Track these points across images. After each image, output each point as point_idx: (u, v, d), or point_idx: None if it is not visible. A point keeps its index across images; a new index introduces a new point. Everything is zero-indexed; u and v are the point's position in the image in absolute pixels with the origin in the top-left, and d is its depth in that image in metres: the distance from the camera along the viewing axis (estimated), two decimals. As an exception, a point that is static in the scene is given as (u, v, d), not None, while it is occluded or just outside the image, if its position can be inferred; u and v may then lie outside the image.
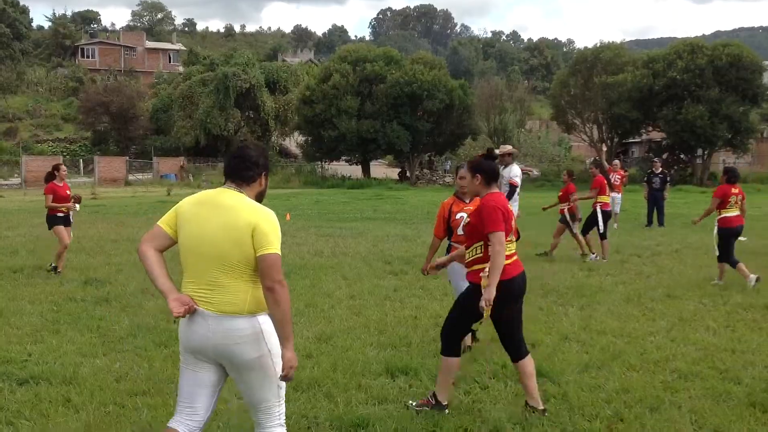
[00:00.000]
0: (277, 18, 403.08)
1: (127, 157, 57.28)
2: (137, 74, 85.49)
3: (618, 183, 20.00)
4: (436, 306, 9.06)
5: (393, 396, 5.67)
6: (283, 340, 3.72)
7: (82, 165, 56.84)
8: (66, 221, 12.07)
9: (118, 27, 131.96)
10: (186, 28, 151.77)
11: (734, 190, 10.89)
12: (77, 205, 12.39)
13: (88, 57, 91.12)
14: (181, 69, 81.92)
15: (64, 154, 58.33)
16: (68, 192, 12.26)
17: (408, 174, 52.67)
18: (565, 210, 13.77)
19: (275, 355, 3.79)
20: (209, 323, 3.73)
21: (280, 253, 3.71)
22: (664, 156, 50.49)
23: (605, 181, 14.17)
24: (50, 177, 12.12)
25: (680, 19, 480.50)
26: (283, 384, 3.91)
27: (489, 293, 4.96)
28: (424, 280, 10.97)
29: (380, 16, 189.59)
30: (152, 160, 57.86)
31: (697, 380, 6.06)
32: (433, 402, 5.35)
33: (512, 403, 5.52)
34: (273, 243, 3.69)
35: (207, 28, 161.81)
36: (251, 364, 3.77)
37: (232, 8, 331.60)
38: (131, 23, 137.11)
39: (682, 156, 50.27)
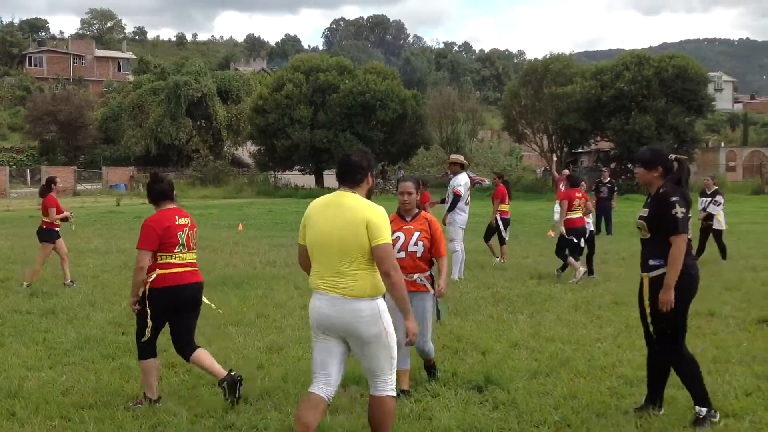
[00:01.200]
0: (230, 27, 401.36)
1: (76, 167, 56.33)
2: (86, 83, 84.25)
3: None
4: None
5: (344, 405, 5.68)
6: (404, 313, 4.56)
7: (29, 175, 55.73)
8: (58, 235, 11.81)
9: (66, 35, 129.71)
10: (137, 37, 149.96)
11: (578, 195, 12.17)
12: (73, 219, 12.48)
13: (35, 65, 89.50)
14: (131, 78, 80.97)
15: (11, 164, 57.04)
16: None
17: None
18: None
19: (389, 333, 4.53)
20: (337, 305, 4.46)
21: (390, 242, 4.47)
22: (612, 165, 51.41)
23: (506, 192, 14.71)
24: (47, 189, 11.83)
25: (629, 30, 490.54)
26: (395, 355, 4.63)
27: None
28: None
29: (333, 26, 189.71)
30: (101, 170, 56.99)
31: (642, 385, 6.16)
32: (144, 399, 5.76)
33: (463, 410, 5.57)
34: (384, 235, 4.42)
35: (158, 36, 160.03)
36: (371, 339, 4.49)
37: (184, 17, 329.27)
38: (80, 31, 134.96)
39: (629, 166, 51.21)
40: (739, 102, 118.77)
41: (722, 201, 14.42)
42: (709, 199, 14.32)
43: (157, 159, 58.97)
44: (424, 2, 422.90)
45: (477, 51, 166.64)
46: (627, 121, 47.34)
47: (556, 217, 19.91)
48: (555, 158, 37.56)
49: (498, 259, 14.14)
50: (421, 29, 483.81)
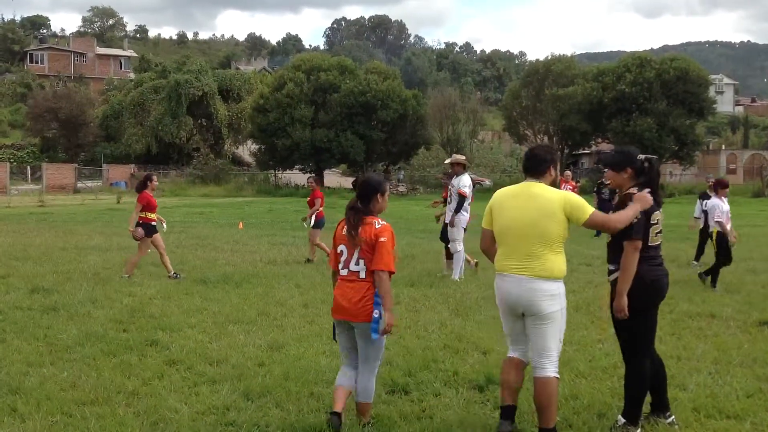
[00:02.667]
0: (231, 26, 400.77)
1: (76, 165, 56.34)
2: (87, 80, 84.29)
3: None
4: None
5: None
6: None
7: (29, 172, 55.74)
8: (155, 230, 12.17)
9: (68, 33, 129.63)
10: (138, 35, 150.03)
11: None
12: (164, 224, 12.85)
13: (37, 63, 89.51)
14: (132, 76, 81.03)
15: (11, 161, 57.10)
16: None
17: (362, 183, 52.69)
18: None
19: (564, 315, 5.01)
20: (523, 285, 4.90)
21: (593, 209, 4.98)
22: (604, 167, 51.36)
23: (322, 195, 15.30)
24: (143, 186, 12.26)
25: (630, 33, 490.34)
26: (562, 338, 5.05)
27: None
28: (377, 288, 11.00)
29: (335, 25, 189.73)
30: (102, 168, 56.98)
31: (643, 386, 6.18)
32: None
33: (464, 410, 5.57)
34: (586, 209, 4.93)
35: (159, 35, 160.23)
36: (551, 316, 4.91)
37: (185, 15, 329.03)
38: (82, 29, 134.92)
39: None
40: (740, 105, 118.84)
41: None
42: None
43: (157, 157, 58.98)
44: (425, 2, 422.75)
45: (478, 51, 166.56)
46: (628, 123, 47.40)
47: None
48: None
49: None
50: (422, 29, 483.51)
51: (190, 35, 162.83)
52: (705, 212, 13.85)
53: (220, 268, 12.97)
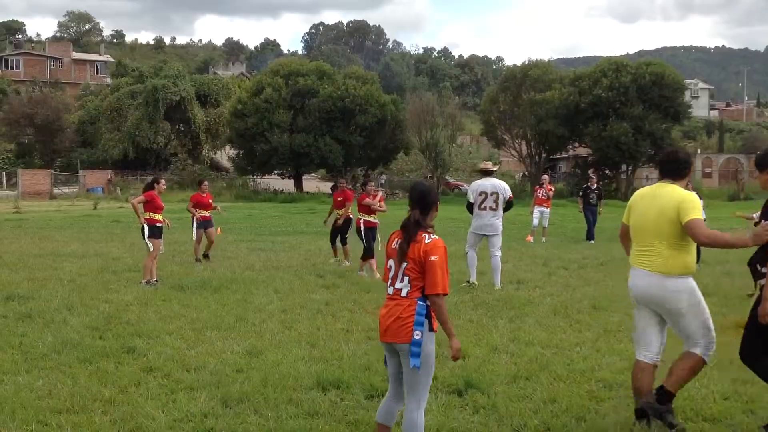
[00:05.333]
0: (210, 30, 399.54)
1: (52, 170, 55.77)
2: (63, 86, 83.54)
3: (546, 198, 20.45)
4: (368, 319, 9.07)
5: (324, 409, 5.66)
6: (736, 243, 5.15)
7: (4, 178, 55.13)
8: (161, 233, 12.30)
9: (44, 37, 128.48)
10: (114, 40, 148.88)
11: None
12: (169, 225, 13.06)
13: (12, 68, 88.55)
14: (109, 81, 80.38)
15: (-14, 167, 56.45)
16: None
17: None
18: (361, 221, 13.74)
19: (701, 307, 5.24)
20: (645, 279, 5.23)
21: (700, 217, 5.07)
22: (590, 172, 51.75)
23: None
24: (149, 188, 12.46)
25: (606, 38, 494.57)
26: (710, 326, 5.29)
27: None
28: (356, 293, 11.00)
29: (313, 30, 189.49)
30: (78, 174, 56.47)
31: (621, 389, 6.21)
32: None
33: (443, 414, 5.57)
34: (692, 213, 5.03)
35: (136, 39, 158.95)
36: (680, 312, 5.17)
37: (163, 20, 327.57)
38: (58, 34, 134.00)
39: (607, 171, 51.61)
40: (715, 109, 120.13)
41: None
42: None
43: (135, 163, 58.55)
44: (404, 8, 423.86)
45: (456, 57, 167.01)
46: (604, 128, 47.72)
47: (535, 222, 20.10)
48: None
49: (334, 259, 14.74)
50: (400, 34, 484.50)
51: (167, 40, 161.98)
52: None
53: (198, 274, 12.89)
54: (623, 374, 6.64)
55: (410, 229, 4.58)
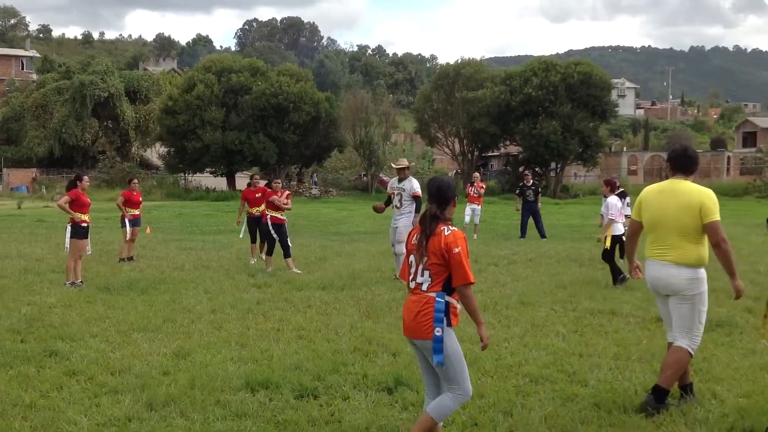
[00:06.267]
0: (140, 26, 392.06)
1: (-26, 169, 53.92)
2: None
3: (477, 195, 20.67)
4: (299, 318, 9.03)
5: (252, 411, 5.60)
6: (733, 278, 5.59)
7: None
8: (86, 233, 11.96)
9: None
10: (41, 35, 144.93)
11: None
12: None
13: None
14: (34, 77, 77.89)
15: None
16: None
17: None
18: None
19: (704, 300, 5.65)
20: (664, 270, 5.65)
21: (719, 219, 5.49)
22: (521, 169, 52.54)
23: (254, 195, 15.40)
24: (72, 186, 12.10)
25: (537, 37, 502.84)
26: (704, 321, 5.71)
27: None
28: (288, 292, 10.92)
29: (246, 26, 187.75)
30: (1, 172, 54.68)
31: (547, 383, 6.33)
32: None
33: (372, 413, 5.57)
34: (714, 214, 5.48)
35: (64, 34, 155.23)
36: (689, 299, 5.59)
37: (91, 15, 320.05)
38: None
39: (537, 169, 52.51)
40: (641, 108, 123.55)
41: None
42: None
43: (61, 161, 57.10)
44: (338, 5, 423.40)
45: (390, 54, 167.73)
46: (535, 126, 48.56)
47: (467, 219, 20.29)
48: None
49: (253, 260, 14.68)
50: (335, 32, 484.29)
51: (96, 35, 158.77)
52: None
53: (125, 275, 12.62)
54: (549, 368, 6.77)
55: (428, 223, 4.67)
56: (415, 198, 12.07)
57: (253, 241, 15.12)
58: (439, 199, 4.72)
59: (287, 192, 14.29)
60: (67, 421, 5.34)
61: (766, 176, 49.95)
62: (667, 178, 5.88)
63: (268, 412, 5.57)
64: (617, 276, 11.69)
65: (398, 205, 12.18)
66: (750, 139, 77.91)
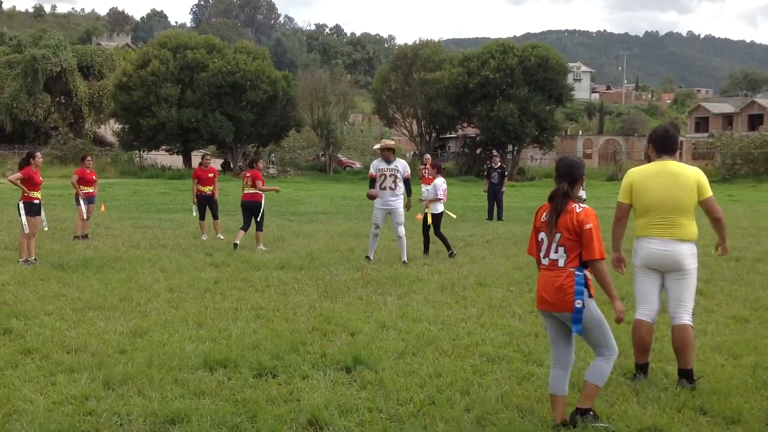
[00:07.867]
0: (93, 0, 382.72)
1: None
2: (-68, 53, 78.27)
3: (432, 177, 20.74)
4: (258, 297, 9.03)
5: (211, 389, 5.60)
6: (724, 241, 6.13)
7: None
8: (38, 210, 11.77)
9: None
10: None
11: (247, 174, 13.82)
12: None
13: None
14: (-17, 49, 75.91)
15: None
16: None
17: (231, 165, 51.84)
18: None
19: (696, 271, 5.94)
20: (668, 246, 5.83)
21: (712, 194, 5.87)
22: (478, 151, 52.88)
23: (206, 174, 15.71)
24: (24, 163, 11.86)
25: (495, 19, 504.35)
26: (694, 289, 5.97)
27: None
28: (246, 271, 10.90)
29: (202, 2, 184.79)
30: (-51, 147, 53.34)
31: (503, 363, 6.43)
32: None
33: (331, 391, 5.61)
34: (709, 190, 5.85)
35: (14, 7, 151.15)
36: (689, 272, 5.87)
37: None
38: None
39: (494, 151, 52.87)
40: (596, 92, 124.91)
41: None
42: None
43: (12, 136, 55.85)
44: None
45: (348, 34, 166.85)
46: (492, 108, 48.78)
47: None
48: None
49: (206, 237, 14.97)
50: (292, 10, 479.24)
51: (48, 8, 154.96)
52: None
53: (80, 253, 12.46)
54: (505, 348, 6.87)
55: (559, 201, 4.86)
56: (406, 180, 12.12)
57: (202, 218, 15.36)
58: (570, 178, 4.93)
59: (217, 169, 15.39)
60: (22, 399, 5.28)
61: (717, 161, 50.92)
62: (650, 160, 6.06)
63: (227, 391, 5.58)
64: (450, 246, 12.87)
65: (392, 187, 12.11)
66: (702, 124, 79.41)
